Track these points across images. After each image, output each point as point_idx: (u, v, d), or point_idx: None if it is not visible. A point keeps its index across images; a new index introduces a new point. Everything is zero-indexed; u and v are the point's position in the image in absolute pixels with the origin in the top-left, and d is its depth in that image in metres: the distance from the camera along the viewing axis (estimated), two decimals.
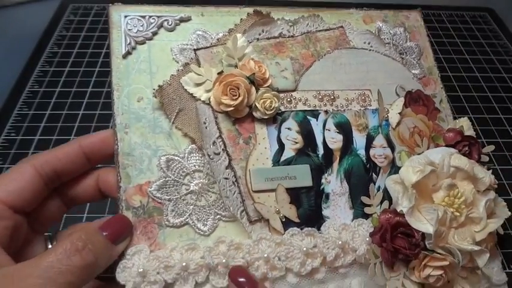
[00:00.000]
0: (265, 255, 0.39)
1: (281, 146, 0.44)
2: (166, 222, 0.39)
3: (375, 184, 0.45)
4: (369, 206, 0.44)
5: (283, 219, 0.41)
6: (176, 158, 0.41)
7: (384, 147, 0.47)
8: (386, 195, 0.44)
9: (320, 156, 0.44)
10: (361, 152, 0.46)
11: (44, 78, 0.70)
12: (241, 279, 0.38)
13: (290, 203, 0.42)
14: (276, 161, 0.43)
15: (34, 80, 0.70)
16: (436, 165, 0.43)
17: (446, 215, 0.42)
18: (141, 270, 0.37)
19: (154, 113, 0.42)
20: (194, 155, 0.42)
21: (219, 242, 0.39)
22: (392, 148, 0.47)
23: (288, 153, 0.44)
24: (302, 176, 0.43)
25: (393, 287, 0.42)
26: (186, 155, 0.42)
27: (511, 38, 0.90)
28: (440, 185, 0.43)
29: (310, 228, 0.41)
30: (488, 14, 0.96)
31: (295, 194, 0.42)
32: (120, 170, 0.40)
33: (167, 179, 0.41)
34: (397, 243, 0.41)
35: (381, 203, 0.44)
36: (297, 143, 0.44)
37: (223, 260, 0.38)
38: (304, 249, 0.40)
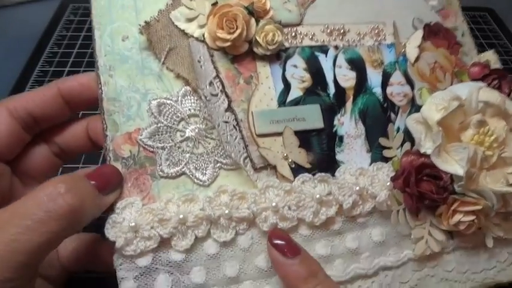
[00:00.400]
0: (274, 204, 0.35)
1: (287, 86, 0.39)
2: (160, 173, 0.35)
3: (394, 124, 0.40)
4: (388, 148, 0.39)
5: (293, 165, 0.37)
6: (168, 101, 0.36)
7: (402, 84, 0.42)
8: (407, 137, 0.40)
9: (331, 95, 0.39)
10: (377, 91, 0.41)
11: (43, 78, 0.67)
12: (279, 242, 0.33)
13: (299, 147, 0.37)
14: (282, 102, 0.38)
15: (34, 80, 0.67)
16: (463, 101, 0.38)
17: (477, 155, 0.37)
18: (133, 224, 0.33)
19: (141, 54, 0.37)
20: (188, 98, 0.37)
21: (220, 192, 0.35)
22: (412, 85, 0.42)
23: (295, 92, 0.39)
24: (312, 117, 0.38)
25: (419, 236, 0.37)
26: (179, 98, 0.37)
27: (511, 38, 0.86)
28: (468, 123, 0.38)
29: (323, 174, 0.36)
30: (488, 14, 0.93)
31: (304, 138, 0.38)
32: (106, 117, 0.35)
33: (159, 125, 0.36)
34: (423, 187, 0.36)
35: (402, 145, 0.39)
36: (304, 81, 0.39)
37: (226, 211, 0.34)
38: (317, 196, 0.35)
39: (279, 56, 0.39)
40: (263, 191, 0.35)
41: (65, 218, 0.28)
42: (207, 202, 0.34)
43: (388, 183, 0.37)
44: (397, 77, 0.42)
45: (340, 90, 0.40)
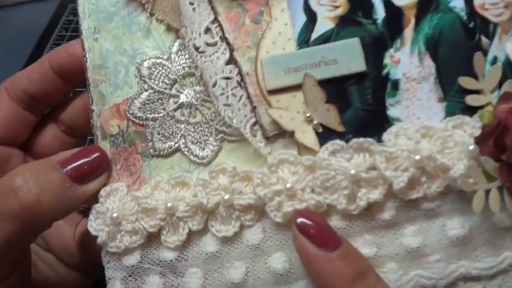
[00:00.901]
0: (288, 185, 0.25)
1: (311, 17, 0.27)
2: (151, 150, 0.28)
3: (485, 55, 0.26)
4: (476, 92, 0.25)
5: (319, 130, 0.26)
6: (159, 60, 0.29)
7: None
8: (510, 72, 0.25)
9: (379, 21, 0.27)
10: (457, 4, 0.26)
11: None
12: (311, 228, 0.24)
13: (327, 103, 0.26)
14: (304, 42, 0.27)
15: None
16: None
17: None
18: (115, 215, 0.27)
19: (128, 7, 0.30)
20: (183, 53, 0.29)
21: (218, 172, 0.27)
22: None
23: (324, 25, 0.27)
24: (348, 58, 0.26)
25: None
26: (172, 54, 0.29)
27: None
28: None
29: (362, 139, 0.25)
30: None
31: (338, 88, 0.26)
32: (92, 89, 0.30)
33: (149, 91, 0.29)
34: None
35: (499, 86, 0.25)
36: (337, 7, 0.27)
37: (226, 197, 0.26)
38: (352, 173, 0.24)
39: None
40: (274, 169, 0.26)
41: (17, 218, 0.25)
42: (200, 186, 0.26)
43: (471, 147, 0.24)
44: None
45: (393, 12, 0.27)
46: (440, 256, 0.24)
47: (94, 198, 0.28)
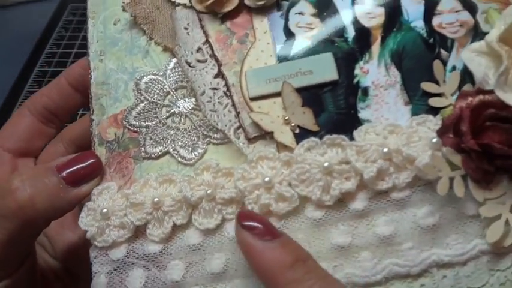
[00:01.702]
0: (266, 179, 0.27)
1: (290, 37, 0.31)
2: (143, 154, 0.31)
3: (445, 65, 0.29)
4: (439, 95, 0.28)
5: (296, 130, 0.28)
6: (155, 77, 0.33)
7: (457, 10, 0.30)
8: (468, 79, 0.28)
9: (350, 39, 0.30)
10: (418, 24, 0.30)
11: (42, 78, 0.69)
12: (252, 223, 0.25)
13: (303, 106, 0.29)
14: (284, 58, 0.31)
15: (33, 80, 0.68)
16: None
17: None
18: (105, 211, 0.28)
19: (131, 33, 0.34)
20: (177, 70, 0.32)
21: (202, 169, 0.28)
22: (472, 10, 0.30)
23: (302, 43, 0.31)
24: (321, 69, 0.29)
25: (493, 215, 0.24)
26: (167, 71, 0.33)
27: None
28: None
29: (335, 136, 0.27)
30: None
31: (314, 96, 0.29)
32: (93, 102, 0.33)
33: (144, 102, 0.32)
34: (487, 137, 0.24)
35: (459, 89, 0.28)
36: (313, 28, 0.31)
37: (209, 191, 0.27)
38: (326, 165, 0.26)
39: (279, 5, 0.32)
40: (254, 164, 0.28)
41: (15, 217, 0.27)
42: (186, 182, 0.28)
43: (435, 140, 0.26)
44: (447, 3, 0.30)
45: (362, 32, 0.30)
46: (412, 244, 0.25)
47: (88, 200, 0.30)
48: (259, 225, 0.24)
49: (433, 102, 0.28)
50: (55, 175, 0.29)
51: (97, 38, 0.35)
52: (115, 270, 0.28)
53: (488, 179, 0.24)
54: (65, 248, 0.36)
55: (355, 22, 0.31)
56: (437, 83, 0.28)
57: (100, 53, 0.34)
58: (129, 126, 0.31)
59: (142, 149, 0.31)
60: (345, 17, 0.31)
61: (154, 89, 0.32)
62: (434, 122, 0.27)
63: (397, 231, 0.26)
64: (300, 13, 0.32)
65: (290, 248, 0.24)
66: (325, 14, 0.31)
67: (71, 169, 0.30)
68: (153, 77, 0.33)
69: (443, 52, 0.29)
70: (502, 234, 0.24)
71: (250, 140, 0.29)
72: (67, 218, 0.33)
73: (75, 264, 0.36)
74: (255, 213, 0.27)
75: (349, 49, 0.30)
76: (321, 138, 0.27)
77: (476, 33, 0.29)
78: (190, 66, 0.31)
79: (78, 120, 0.38)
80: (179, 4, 0.34)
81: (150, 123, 0.31)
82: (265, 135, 0.29)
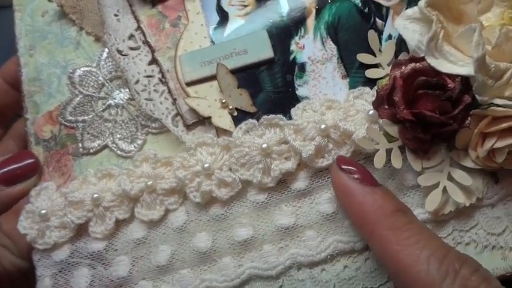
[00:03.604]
0: (206, 165, 0.26)
1: (224, 17, 0.30)
2: (81, 150, 0.29)
3: (381, 34, 0.28)
4: (374, 66, 0.27)
5: (235, 113, 0.28)
6: (88, 68, 0.31)
7: None
8: (405, 48, 0.27)
9: (284, 14, 0.29)
10: None
11: None
12: (351, 168, 0.24)
13: (239, 88, 0.28)
14: (219, 39, 0.30)
15: None
16: None
17: (511, 40, 0.23)
18: (44, 212, 0.27)
19: (60, 24, 0.33)
20: (110, 59, 0.31)
21: (141, 160, 0.28)
22: None
23: (235, 23, 0.30)
24: (256, 47, 0.28)
25: (431, 183, 0.24)
26: (101, 62, 0.31)
27: None
28: None
29: (271, 116, 0.27)
30: None
31: (250, 75, 0.28)
32: (26, 100, 0.32)
33: (79, 97, 0.31)
34: (421, 105, 0.24)
35: (396, 58, 0.27)
36: (246, 5, 0.30)
37: (149, 183, 0.27)
38: (264, 146, 0.26)
39: None
40: (192, 152, 0.27)
41: None
42: (124, 175, 0.27)
43: (371, 112, 0.25)
44: None
45: (296, 5, 0.29)
46: None
47: (25, 200, 0.29)
48: (359, 171, 0.24)
49: (370, 73, 0.27)
50: None
51: (25, 32, 0.33)
52: (59, 272, 0.27)
53: (426, 148, 0.24)
54: (29, 245, 0.35)
55: None
56: (373, 53, 0.27)
57: (29, 48, 0.33)
58: (65, 123, 0.30)
59: (80, 144, 0.30)
60: None
61: (89, 82, 0.31)
62: (371, 94, 0.26)
63: (340, 208, 0.25)
64: None
65: (391, 197, 0.23)
66: None
67: (5, 169, 0.29)
68: (87, 68, 0.31)
69: (379, 21, 0.28)
70: (441, 202, 0.24)
71: (189, 127, 0.28)
72: None
73: None
74: (354, 160, 0.25)
75: (284, 25, 0.29)
76: (258, 119, 0.27)
77: (410, 1, 0.28)
78: (122, 55, 0.30)
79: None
80: None
81: (87, 118, 0.30)
82: (204, 120, 0.28)
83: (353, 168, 0.24)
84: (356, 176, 0.23)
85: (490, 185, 0.25)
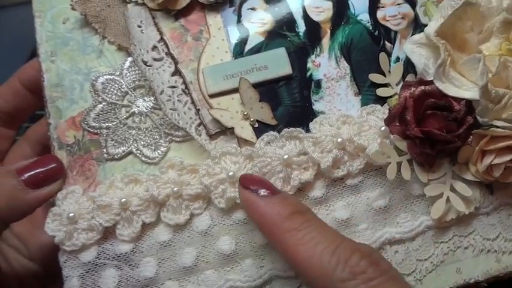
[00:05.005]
0: (231, 173, 0.28)
1: (244, 33, 0.32)
2: (106, 155, 0.31)
3: (390, 56, 0.31)
4: (385, 86, 0.30)
5: (256, 125, 0.30)
6: (111, 77, 0.32)
7: (399, 4, 0.32)
8: (411, 69, 0.30)
9: (301, 34, 0.32)
10: (364, 17, 0.32)
11: None
12: (245, 177, 0.27)
13: (261, 101, 0.30)
14: (239, 53, 0.31)
15: None
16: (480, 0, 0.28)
17: (507, 67, 0.26)
18: (72, 215, 0.29)
19: (82, 32, 0.34)
20: (133, 69, 0.32)
21: (167, 167, 0.29)
22: (412, 2, 0.32)
23: (255, 39, 0.32)
24: (276, 64, 0.31)
25: (435, 193, 0.27)
26: (123, 71, 0.33)
27: None
28: (490, 29, 0.27)
29: (292, 129, 0.29)
30: None
31: (270, 90, 0.30)
32: (49, 105, 0.32)
33: (103, 104, 0.32)
34: (429, 124, 0.27)
35: (403, 79, 0.30)
36: (265, 23, 0.32)
37: (175, 189, 0.28)
38: (285, 157, 0.28)
39: (231, 2, 0.33)
40: (217, 160, 0.29)
41: None
42: (151, 181, 0.29)
43: (383, 128, 0.28)
44: None
45: (312, 26, 0.32)
46: (367, 225, 0.28)
47: (51, 203, 0.30)
48: (260, 185, 0.25)
49: (380, 92, 0.30)
50: (14, 177, 0.29)
51: (46, 38, 0.34)
52: (87, 272, 0.29)
53: (431, 162, 0.27)
54: (40, 248, 0.36)
55: (305, 16, 0.32)
56: (383, 74, 0.30)
57: (51, 54, 0.34)
58: (89, 129, 0.31)
59: (104, 150, 0.31)
60: (295, 12, 0.32)
61: (112, 90, 0.32)
62: (382, 111, 0.29)
63: (353, 214, 0.28)
64: (252, 8, 0.33)
65: (288, 202, 0.25)
66: (276, 9, 0.32)
67: (32, 172, 0.29)
68: (110, 77, 0.32)
69: (388, 44, 0.31)
70: (444, 211, 0.27)
71: (212, 136, 0.30)
72: (37, 218, 0.32)
73: (53, 263, 0.36)
74: (255, 175, 0.28)
75: (301, 43, 0.31)
76: (279, 131, 0.29)
77: (417, 25, 0.31)
78: (147, 65, 0.31)
79: (41, 121, 0.37)
80: (130, 1, 0.33)
81: (110, 124, 0.31)
82: (226, 131, 0.30)
83: (254, 184, 0.26)
84: (263, 191, 0.25)
85: (486, 195, 0.28)
